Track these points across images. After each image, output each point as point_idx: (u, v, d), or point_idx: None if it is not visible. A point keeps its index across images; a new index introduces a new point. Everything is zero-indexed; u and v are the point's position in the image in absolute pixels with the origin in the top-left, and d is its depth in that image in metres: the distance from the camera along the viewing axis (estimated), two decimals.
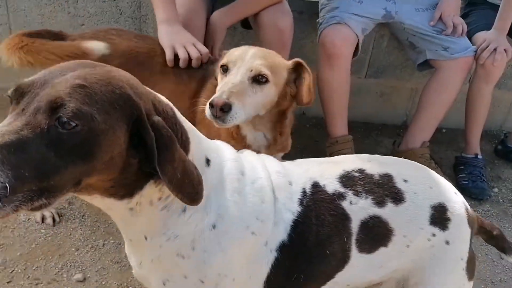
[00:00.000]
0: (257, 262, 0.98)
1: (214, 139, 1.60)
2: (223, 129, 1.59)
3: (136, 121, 0.77)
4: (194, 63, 1.71)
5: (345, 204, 1.06)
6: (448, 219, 1.12)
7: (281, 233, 0.99)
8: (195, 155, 0.91)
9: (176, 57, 1.71)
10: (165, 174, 0.79)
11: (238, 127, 1.55)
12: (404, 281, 1.16)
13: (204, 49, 1.74)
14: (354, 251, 1.07)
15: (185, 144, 0.88)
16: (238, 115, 1.36)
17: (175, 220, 0.90)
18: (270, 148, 1.62)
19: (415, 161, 2.32)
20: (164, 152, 0.78)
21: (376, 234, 1.07)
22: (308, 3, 2.55)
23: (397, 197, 1.09)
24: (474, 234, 1.21)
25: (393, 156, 2.42)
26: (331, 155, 2.30)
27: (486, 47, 2.23)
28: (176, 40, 1.72)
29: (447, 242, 1.11)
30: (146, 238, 0.93)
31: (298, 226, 1.01)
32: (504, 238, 1.29)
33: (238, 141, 1.61)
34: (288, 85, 1.50)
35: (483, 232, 1.26)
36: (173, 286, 0.96)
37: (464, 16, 2.54)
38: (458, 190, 2.42)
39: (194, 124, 1.63)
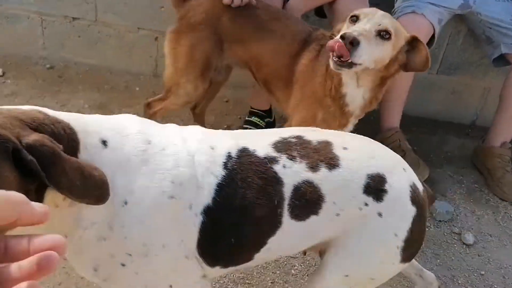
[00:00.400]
0: (185, 226, 0.98)
1: (309, 97, 1.75)
2: (320, 87, 1.73)
3: (13, 152, 0.75)
4: (235, 2, 1.83)
5: (277, 167, 1.04)
6: (384, 191, 1.08)
7: (206, 197, 0.98)
8: (87, 142, 0.89)
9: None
10: (62, 188, 0.78)
11: (339, 83, 1.67)
12: (329, 246, 1.14)
13: None
14: (286, 217, 1.05)
15: (72, 137, 0.86)
16: (363, 54, 1.48)
17: (86, 209, 0.89)
18: (363, 110, 1.76)
19: (491, 160, 2.37)
20: (52, 169, 0.76)
21: (307, 200, 1.05)
22: None
23: (332, 163, 1.07)
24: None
25: (477, 153, 2.42)
26: None
27: None
28: None
29: (380, 214, 1.08)
30: (66, 236, 0.92)
31: (223, 189, 0.99)
32: None
33: (335, 99, 1.71)
34: (401, 52, 1.62)
35: None
36: (105, 269, 0.97)
37: None
38: None
39: (289, 82, 1.82)
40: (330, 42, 1.49)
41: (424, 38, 2.15)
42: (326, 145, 1.10)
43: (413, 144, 2.46)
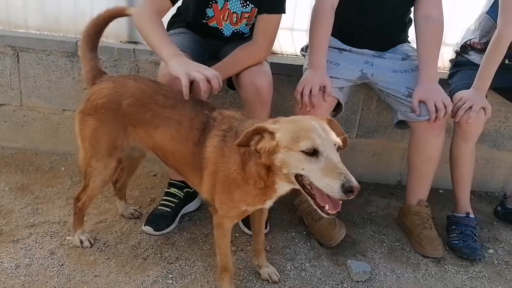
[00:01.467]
0: None
1: (223, 181, 1.70)
2: (236, 175, 1.67)
3: None
4: (213, 82, 1.83)
5: None
6: None
7: None
8: None
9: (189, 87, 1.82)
10: None
11: (274, 179, 1.61)
12: None
13: (217, 72, 1.87)
14: None
15: None
16: None
17: None
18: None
19: (410, 218, 2.44)
20: None
21: None
22: (296, 67, 2.66)
23: None
24: None
25: (398, 213, 2.49)
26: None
27: (462, 105, 2.26)
28: (190, 68, 1.84)
29: None
30: None
31: None
32: None
33: (263, 188, 1.66)
34: None
35: None
36: None
37: (449, 76, 2.60)
38: (450, 250, 2.36)
39: (199, 168, 1.78)
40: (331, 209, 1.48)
41: (328, 107, 2.27)
42: None
43: None
